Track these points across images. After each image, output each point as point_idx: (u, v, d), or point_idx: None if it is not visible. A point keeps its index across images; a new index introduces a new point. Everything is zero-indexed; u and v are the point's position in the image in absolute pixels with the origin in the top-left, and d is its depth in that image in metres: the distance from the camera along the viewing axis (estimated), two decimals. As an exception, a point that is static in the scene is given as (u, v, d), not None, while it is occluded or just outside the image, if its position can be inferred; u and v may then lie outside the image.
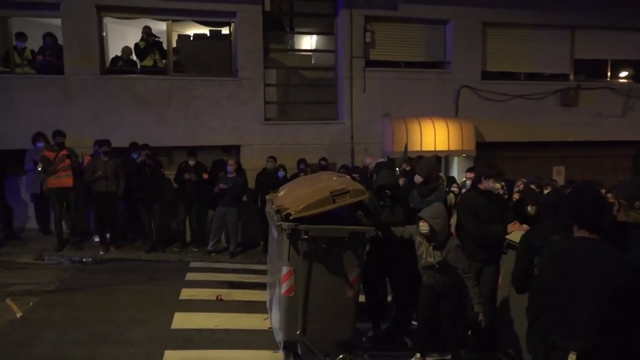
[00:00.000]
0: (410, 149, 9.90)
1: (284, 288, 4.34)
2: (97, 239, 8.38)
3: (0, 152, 8.10)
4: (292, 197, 4.61)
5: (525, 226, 4.62)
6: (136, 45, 9.60)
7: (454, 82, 10.74)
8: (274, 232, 4.89)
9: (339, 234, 4.30)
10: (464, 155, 10.43)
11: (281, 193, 5.07)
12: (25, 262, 7.53)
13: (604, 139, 11.52)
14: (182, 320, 5.49)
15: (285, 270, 4.32)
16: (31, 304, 5.78)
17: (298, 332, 4.34)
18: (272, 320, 4.95)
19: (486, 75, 11.04)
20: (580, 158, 11.54)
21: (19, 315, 5.39)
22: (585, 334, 2.35)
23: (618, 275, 2.35)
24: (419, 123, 10.07)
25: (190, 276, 7.32)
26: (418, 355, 4.65)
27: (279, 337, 4.51)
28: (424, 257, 4.49)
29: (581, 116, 11.27)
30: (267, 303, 5.34)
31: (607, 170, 11.67)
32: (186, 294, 6.46)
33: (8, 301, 5.71)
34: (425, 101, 10.53)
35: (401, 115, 10.21)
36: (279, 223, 4.28)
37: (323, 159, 9.40)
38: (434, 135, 9.99)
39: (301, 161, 9.12)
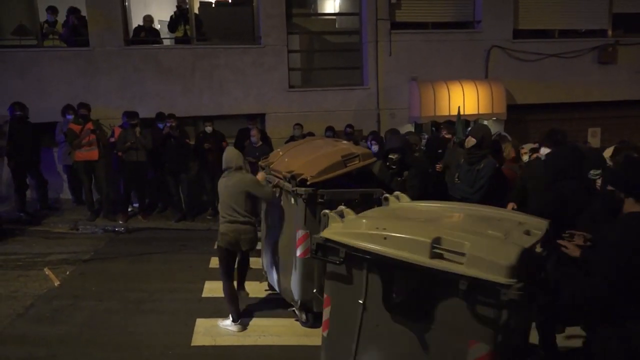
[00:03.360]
0: (438, 113, 9.67)
1: (299, 251, 4.51)
2: (135, 204, 8.63)
3: (34, 125, 8.29)
4: (300, 163, 4.73)
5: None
6: (171, 17, 9.55)
7: (484, 42, 10.31)
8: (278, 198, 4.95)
9: (351, 196, 4.47)
10: (494, 118, 10.11)
11: (279, 159, 5.10)
12: (61, 231, 7.77)
13: (643, 98, 10.97)
14: (212, 289, 5.58)
15: (301, 233, 4.48)
16: (68, 272, 6.00)
17: (315, 291, 4.51)
18: (279, 282, 5.03)
19: (518, 34, 10.55)
20: (617, 119, 11.03)
21: (56, 284, 5.61)
22: None
23: None
24: (447, 86, 9.76)
25: (219, 245, 7.45)
26: None
27: (295, 297, 4.66)
28: None
29: (620, 74, 10.73)
30: (266, 267, 5.38)
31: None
32: (216, 262, 6.57)
33: (46, 270, 5.94)
34: (453, 63, 10.18)
35: (429, 79, 9.91)
36: (294, 189, 4.44)
37: (349, 125, 9.27)
38: (463, 99, 9.69)
39: (329, 128, 9.00)
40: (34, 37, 9.27)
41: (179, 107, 9.10)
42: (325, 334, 3.07)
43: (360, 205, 4.33)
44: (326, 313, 3.07)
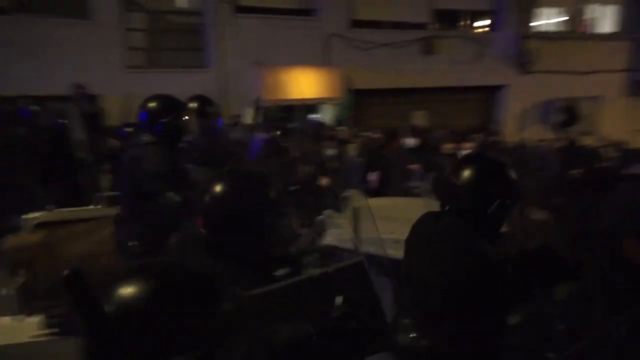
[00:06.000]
0: (281, 97, 10.06)
1: None
2: None
3: None
4: None
5: None
6: None
7: (324, 30, 10.92)
8: None
9: None
10: (334, 103, 10.85)
11: None
12: None
13: (459, 85, 12.64)
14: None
15: None
16: None
17: None
18: None
19: (355, 24, 11.37)
20: (438, 102, 12.58)
21: None
22: None
23: None
24: (290, 71, 10.19)
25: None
26: None
27: None
28: None
29: (438, 63, 12.16)
30: None
31: (462, 114, 12.96)
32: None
33: None
34: (296, 49, 10.59)
35: (272, 64, 10.22)
36: None
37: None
38: (304, 84, 10.22)
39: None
40: None
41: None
42: None
43: None
44: None
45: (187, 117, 3.23)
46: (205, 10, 9.99)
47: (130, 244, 2.93)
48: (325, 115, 11.37)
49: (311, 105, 11.02)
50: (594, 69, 13.67)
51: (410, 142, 5.95)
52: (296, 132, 8.59)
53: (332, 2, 10.93)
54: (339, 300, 1.63)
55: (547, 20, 14.24)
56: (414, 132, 5.87)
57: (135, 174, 2.97)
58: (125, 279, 1.03)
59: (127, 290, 1.00)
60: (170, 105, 3.15)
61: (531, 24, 13.51)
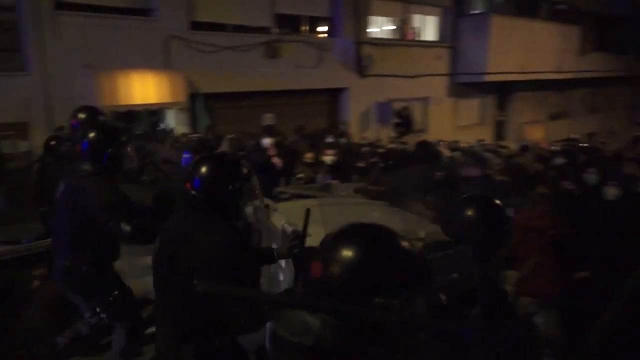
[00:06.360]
0: (116, 102, 9.38)
1: None
2: None
3: None
4: None
5: None
6: None
7: (162, 31, 10.42)
8: None
9: None
10: (178, 107, 10.45)
11: None
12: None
13: (303, 87, 13.10)
14: None
15: None
16: None
17: None
18: None
19: (196, 26, 11.06)
20: (285, 105, 12.92)
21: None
22: None
23: None
24: (126, 75, 9.54)
25: None
26: None
27: None
28: None
29: (283, 67, 12.44)
30: None
31: (309, 116, 13.48)
32: None
33: None
34: (131, 51, 9.93)
35: (105, 66, 9.45)
36: None
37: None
38: (144, 88, 9.66)
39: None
40: None
41: None
42: None
43: None
44: None
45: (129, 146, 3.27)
46: (20, 6, 8.84)
47: (88, 271, 3.09)
48: (170, 121, 10.91)
49: (154, 111, 10.47)
50: (421, 72, 15.29)
51: (266, 141, 6.02)
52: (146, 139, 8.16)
53: (170, 2, 10.48)
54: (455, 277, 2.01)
55: (380, 28, 15.51)
56: (268, 132, 5.97)
57: (78, 203, 3.00)
58: (342, 243, 1.37)
59: (348, 253, 1.34)
60: (113, 134, 3.17)
61: (367, 31, 14.57)
